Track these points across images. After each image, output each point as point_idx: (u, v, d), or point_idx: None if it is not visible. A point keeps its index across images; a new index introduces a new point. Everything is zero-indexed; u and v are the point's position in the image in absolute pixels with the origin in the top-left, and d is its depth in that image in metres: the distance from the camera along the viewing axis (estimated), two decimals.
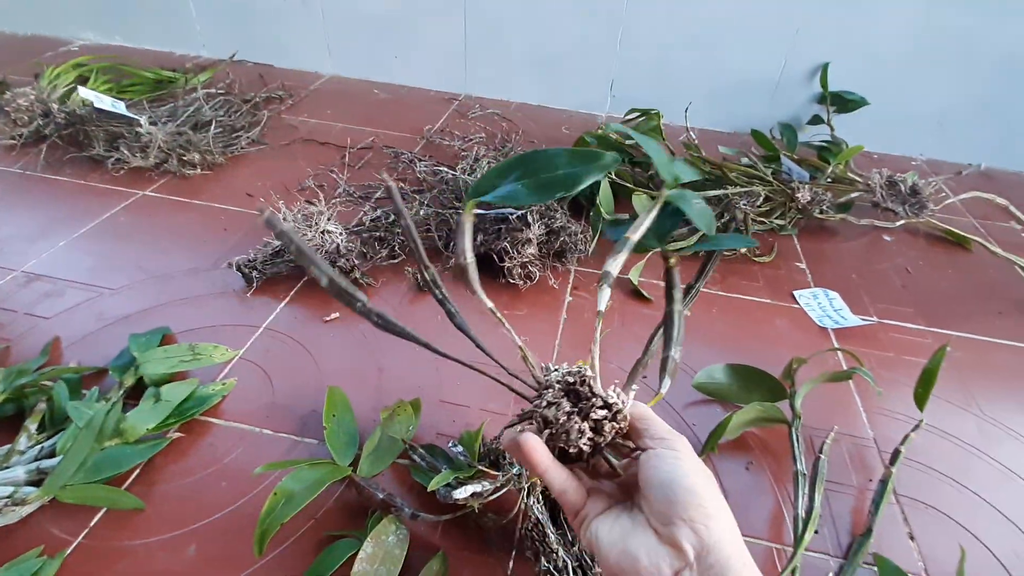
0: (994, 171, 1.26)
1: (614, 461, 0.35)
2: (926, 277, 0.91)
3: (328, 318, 0.72)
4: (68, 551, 0.47)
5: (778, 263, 0.89)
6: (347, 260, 0.75)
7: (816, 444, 0.61)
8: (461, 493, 0.49)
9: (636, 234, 0.43)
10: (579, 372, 0.34)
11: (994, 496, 0.58)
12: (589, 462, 0.35)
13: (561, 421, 0.33)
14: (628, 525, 0.30)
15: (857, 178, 0.93)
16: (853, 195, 0.93)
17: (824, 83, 1.21)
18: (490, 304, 0.38)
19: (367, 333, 0.70)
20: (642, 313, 0.78)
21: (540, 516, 0.48)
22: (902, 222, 0.99)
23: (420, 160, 1.02)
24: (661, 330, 0.43)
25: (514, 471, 0.51)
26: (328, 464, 0.52)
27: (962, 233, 0.98)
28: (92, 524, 0.49)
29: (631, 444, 0.34)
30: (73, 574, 0.46)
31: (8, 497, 0.46)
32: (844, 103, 1.21)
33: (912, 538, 0.54)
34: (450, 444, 0.57)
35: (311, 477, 0.50)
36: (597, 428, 0.33)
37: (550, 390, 0.34)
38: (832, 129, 1.19)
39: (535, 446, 0.32)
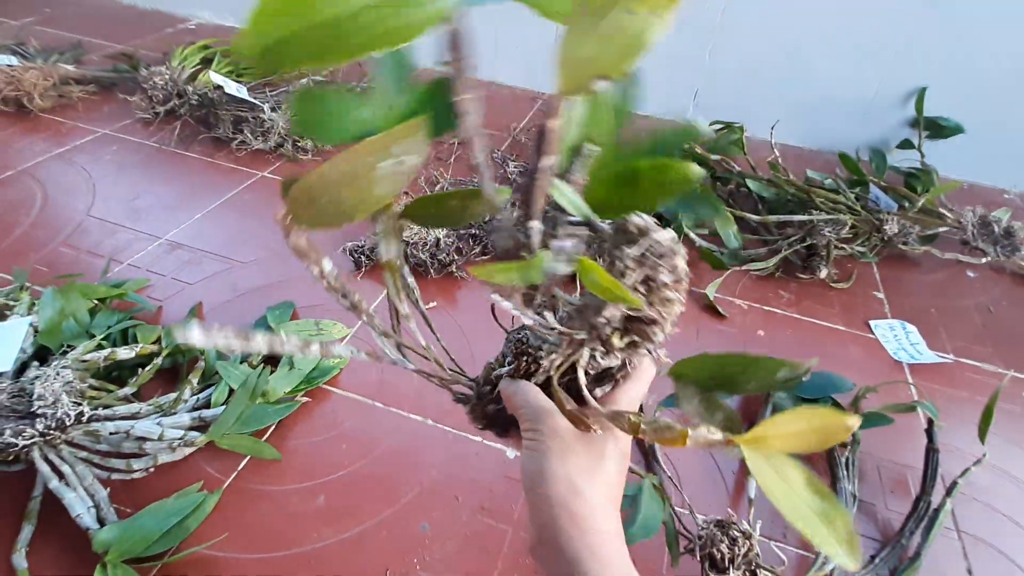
0: None
1: None
2: (1009, 318, 0.90)
3: (428, 307, 0.79)
4: (223, 488, 0.56)
5: (855, 290, 0.91)
6: (447, 254, 0.81)
7: (873, 470, 0.65)
8: None
9: None
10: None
11: None
12: None
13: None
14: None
15: (947, 212, 0.93)
16: (941, 229, 0.93)
17: (920, 108, 1.18)
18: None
19: (462, 324, 0.77)
20: (717, 329, 0.82)
21: None
22: (988, 259, 0.97)
23: (510, 160, 1.07)
24: None
25: None
26: None
27: None
28: (239, 468, 0.58)
29: None
30: (227, 508, 0.55)
31: (180, 439, 0.55)
32: (938, 129, 1.19)
33: (970, 573, 0.57)
34: None
35: None
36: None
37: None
38: (922, 156, 1.17)
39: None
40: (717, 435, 0.24)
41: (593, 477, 0.29)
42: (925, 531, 0.57)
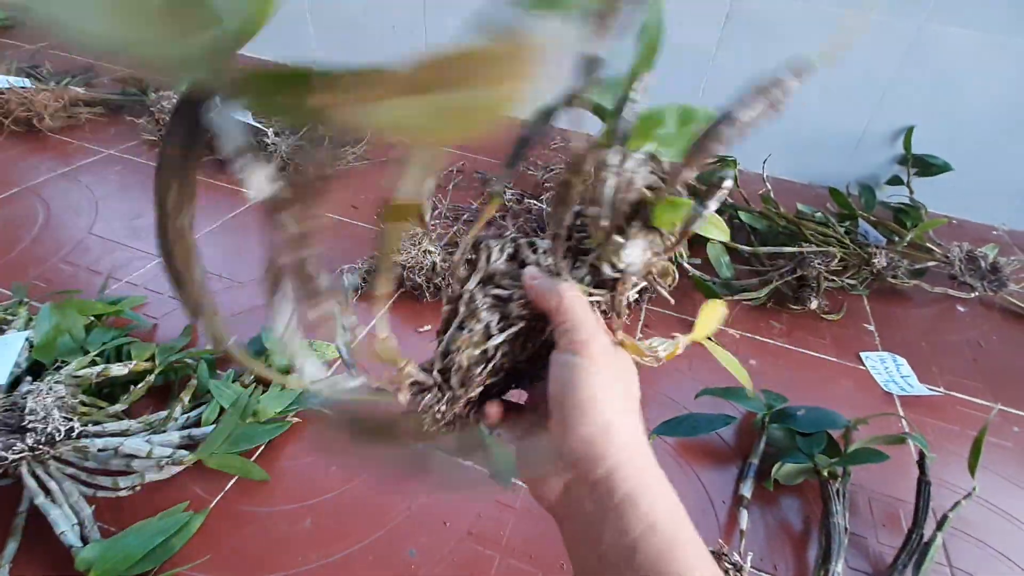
0: None
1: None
2: (999, 353, 0.91)
3: (422, 329, 0.80)
4: (209, 508, 0.55)
5: (846, 322, 0.92)
6: (442, 278, 0.82)
7: (865, 504, 0.64)
8: None
9: None
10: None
11: None
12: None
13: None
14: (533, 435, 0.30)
15: (935, 248, 0.94)
16: (929, 263, 0.94)
17: (907, 146, 1.22)
18: None
19: None
20: (709, 358, 0.82)
21: None
22: (976, 294, 0.99)
23: (507, 187, 1.09)
24: None
25: None
26: None
27: None
28: (226, 489, 0.58)
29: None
30: (212, 529, 0.54)
31: (168, 457, 0.55)
32: (926, 167, 1.22)
33: None
34: None
35: None
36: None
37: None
38: (911, 192, 1.20)
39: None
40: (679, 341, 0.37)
41: (626, 395, 0.30)
42: (916, 565, 0.57)
